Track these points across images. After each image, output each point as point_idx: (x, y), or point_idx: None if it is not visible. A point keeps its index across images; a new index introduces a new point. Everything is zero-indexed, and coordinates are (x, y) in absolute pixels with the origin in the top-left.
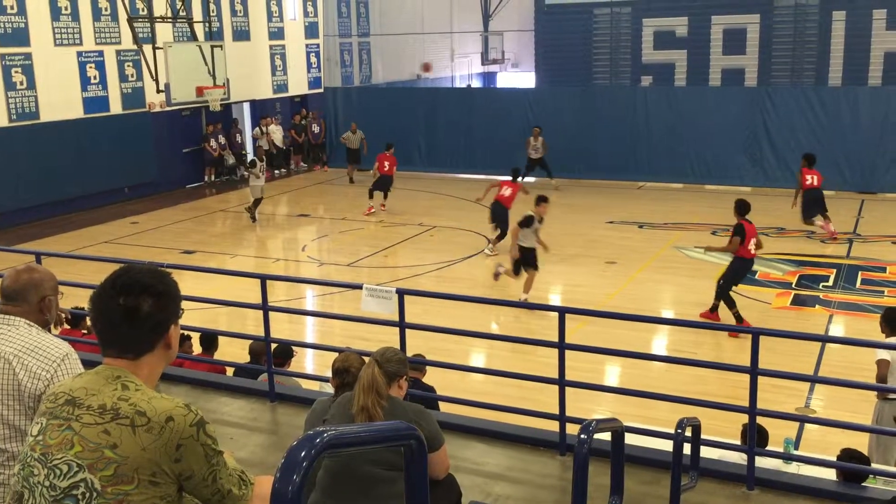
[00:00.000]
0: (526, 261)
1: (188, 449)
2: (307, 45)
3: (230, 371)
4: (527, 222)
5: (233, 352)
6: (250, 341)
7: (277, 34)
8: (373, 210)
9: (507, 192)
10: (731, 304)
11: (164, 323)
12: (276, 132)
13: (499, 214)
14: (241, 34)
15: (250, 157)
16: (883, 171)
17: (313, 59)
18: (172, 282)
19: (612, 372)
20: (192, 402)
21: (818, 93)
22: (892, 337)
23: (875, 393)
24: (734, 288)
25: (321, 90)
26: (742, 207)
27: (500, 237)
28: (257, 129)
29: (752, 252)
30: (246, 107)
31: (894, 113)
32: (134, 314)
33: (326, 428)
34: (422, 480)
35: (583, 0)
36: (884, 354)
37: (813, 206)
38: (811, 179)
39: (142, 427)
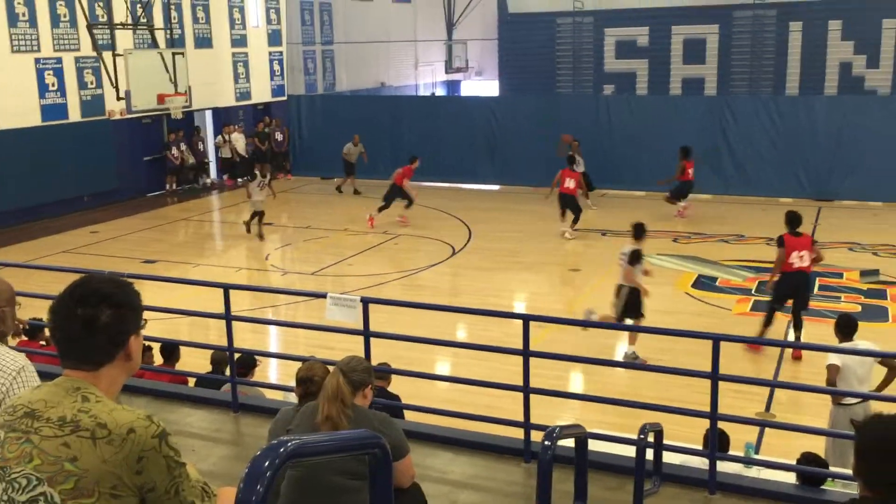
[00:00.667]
0: (632, 306)
1: (150, 461)
2: (270, 53)
3: (192, 382)
4: (638, 258)
5: (195, 362)
6: (212, 351)
7: (240, 41)
8: (402, 220)
9: (570, 184)
10: (767, 322)
11: (123, 334)
12: (239, 140)
13: (569, 202)
14: (204, 41)
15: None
16: (839, 178)
17: (276, 67)
18: (133, 292)
19: (578, 379)
20: (154, 413)
21: (776, 102)
22: (845, 342)
23: (830, 398)
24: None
25: (284, 98)
26: (788, 220)
27: (576, 220)
28: (220, 137)
29: (795, 265)
30: (208, 114)
31: (849, 122)
32: (92, 325)
33: (290, 437)
34: (387, 489)
35: (546, 9)
36: (834, 359)
37: (686, 192)
38: (691, 172)
39: (102, 439)
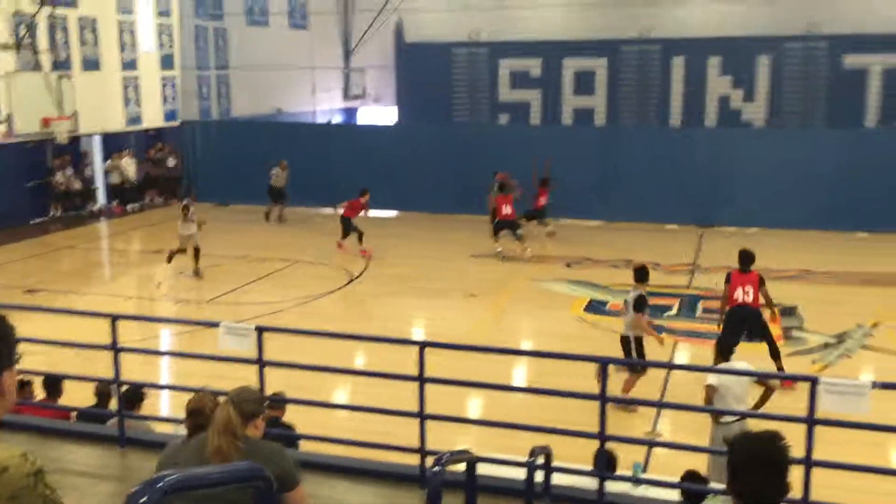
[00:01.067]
0: (637, 353)
1: (24, 500)
2: (163, 77)
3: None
4: (643, 304)
5: (83, 396)
6: (96, 384)
7: (131, 64)
8: (364, 253)
9: (508, 210)
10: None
11: None
12: (130, 166)
13: (510, 225)
14: (91, 64)
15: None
16: (719, 206)
17: (169, 91)
18: (4, 325)
19: (475, 403)
20: (33, 450)
21: (661, 133)
22: (723, 363)
23: (711, 417)
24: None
25: (178, 123)
26: (740, 258)
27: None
28: (109, 162)
29: (739, 300)
30: (97, 139)
31: (728, 152)
32: None
33: (169, 472)
34: None
35: (441, 39)
36: (712, 380)
37: (536, 217)
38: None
39: None
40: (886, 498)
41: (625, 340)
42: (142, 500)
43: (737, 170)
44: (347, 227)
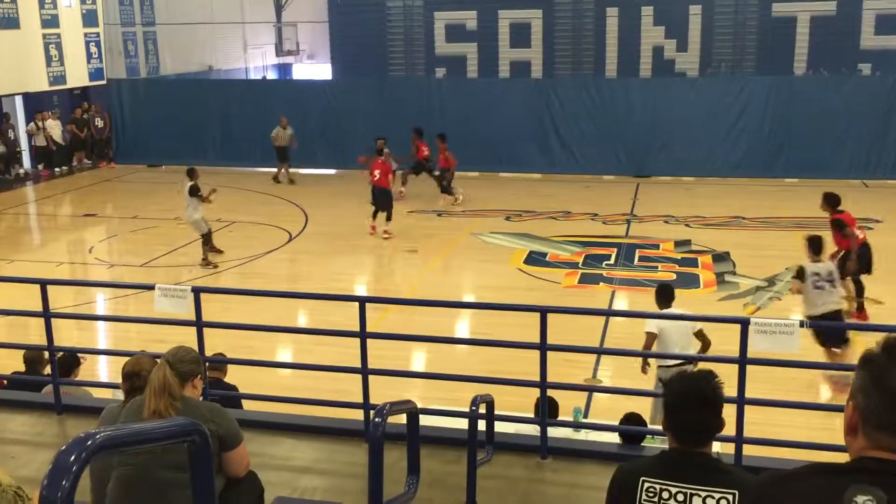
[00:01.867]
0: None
1: None
2: (86, 34)
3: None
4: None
5: (14, 364)
6: (25, 351)
7: (51, 22)
8: (378, 232)
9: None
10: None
11: None
12: (55, 127)
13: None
14: (10, 21)
15: (186, 188)
16: (654, 156)
17: (94, 49)
18: None
19: (419, 358)
20: None
21: (596, 84)
22: (664, 309)
23: (655, 362)
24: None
25: (104, 82)
26: (832, 200)
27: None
28: (32, 124)
29: (861, 238)
30: (18, 100)
31: (662, 103)
32: None
33: (99, 430)
34: (207, 475)
35: None
36: (651, 326)
37: (421, 170)
38: (426, 151)
39: None
40: (818, 433)
41: (837, 314)
42: (71, 458)
43: (671, 120)
44: (381, 199)
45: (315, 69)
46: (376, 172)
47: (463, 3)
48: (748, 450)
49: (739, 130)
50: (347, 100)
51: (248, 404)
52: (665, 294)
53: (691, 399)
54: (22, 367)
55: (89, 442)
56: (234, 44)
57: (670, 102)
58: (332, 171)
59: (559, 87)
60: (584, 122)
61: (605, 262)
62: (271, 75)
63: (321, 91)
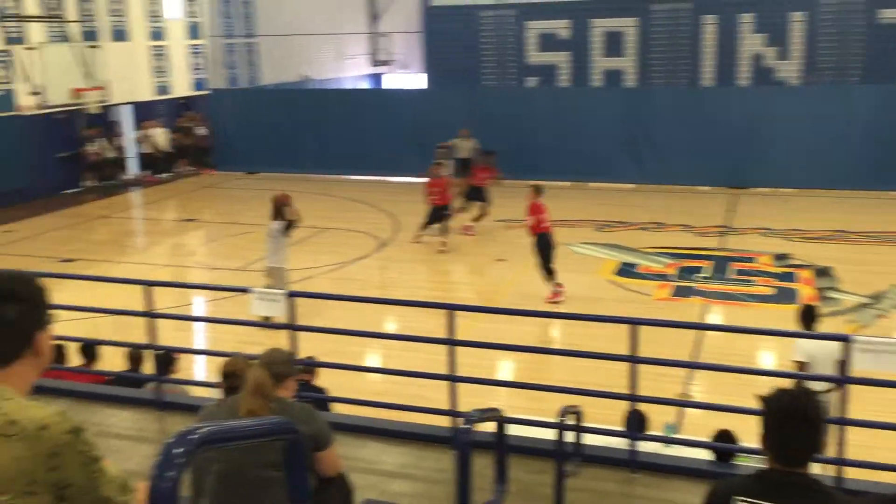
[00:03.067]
0: None
1: (64, 457)
2: (191, 46)
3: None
4: None
5: (119, 362)
6: (129, 350)
7: (158, 34)
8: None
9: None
10: None
11: (29, 330)
12: (160, 135)
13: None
14: (120, 34)
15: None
16: (752, 166)
17: (198, 60)
18: (37, 287)
19: (504, 366)
20: (75, 414)
21: (692, 93)
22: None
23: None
24: None
25: (207, 92)
26: None
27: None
28: (140, 132)
29: None
30: (127, 109)
31: (761, 112)
32: None
33: (202, 424)
34: (302, 473)
35: (468, 2)
36: (802, 356)
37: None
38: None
39: (14, 437)
40: None
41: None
42: (176, 451)
43: (770, 129)
44: (475, 196)
45: (408, 79)
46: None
47: (556, 11)
48: (850, 473)
49: (843, 141)
50: (439, 109)
51: (336, 407)
52: (809, 316)
53: (791, 418)
54: (122, 363)
55: (194, 436)
56: (330, 54)
57: (770, 112)
58: (422, 180)
59: (653, 96)
60: (679, 132)
61: (699, 275)
62: (365, 85)
63: (413, 100)
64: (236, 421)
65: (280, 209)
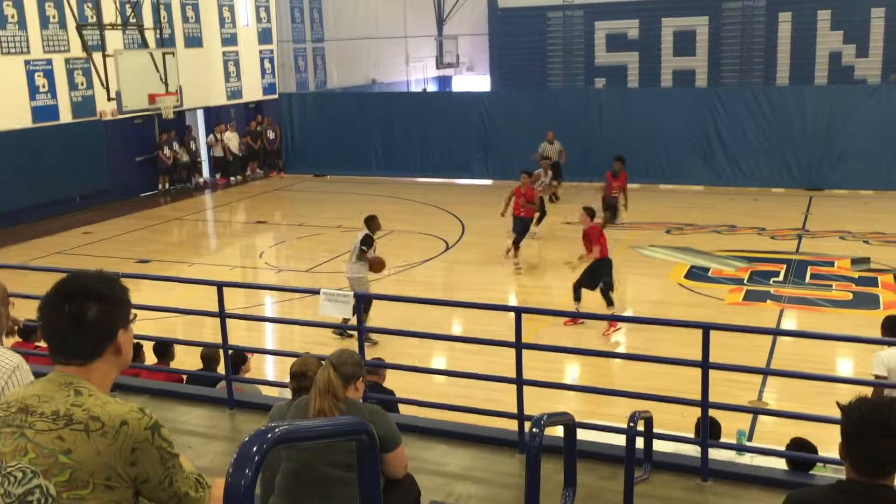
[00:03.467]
0: None
1: (143, 452)
2: (261, 51)
3: (185, 379)
4: None
5: (191, 361)
6: (202, 349)
7: (230, 40)
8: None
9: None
10: None
11: (111, 328)
12: (232, 139)
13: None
14: (194, 41)
15: (358, 236)
16: (829, 168)
17: (267, 65)
18: (120, 287)
19: (572, 370)
20: (152, 411)
21: (766, 93)
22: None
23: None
24: None
25: (276, 96)
26: None
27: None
28: (212, 136)
29: None
30: (200, 114)
31: (839, 111)
32: (79, 320)
33: (278, 423)
34: (374, 474)
35: (536, 3)
36: (880, 369)
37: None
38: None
39: (96, 432)
40: None
41: None
42: (254, 449)
43: (849, 129)
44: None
45: (474, 81)
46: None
47: (625, 11)
48: None
49: None
50: (505, 111)
51: (404, 409)
52: (893, 327)
53: (871, 427)
54: (196, 362)
55: (269, 435)
56: (397, 57)
57: (848, 111)
58: (488, 182)
59: (725, 95)
60: (752, 132)
61: (773, 279)
62: (432, 87)
63: (479, 102)
64: (309, 420)
65: (370, 225)
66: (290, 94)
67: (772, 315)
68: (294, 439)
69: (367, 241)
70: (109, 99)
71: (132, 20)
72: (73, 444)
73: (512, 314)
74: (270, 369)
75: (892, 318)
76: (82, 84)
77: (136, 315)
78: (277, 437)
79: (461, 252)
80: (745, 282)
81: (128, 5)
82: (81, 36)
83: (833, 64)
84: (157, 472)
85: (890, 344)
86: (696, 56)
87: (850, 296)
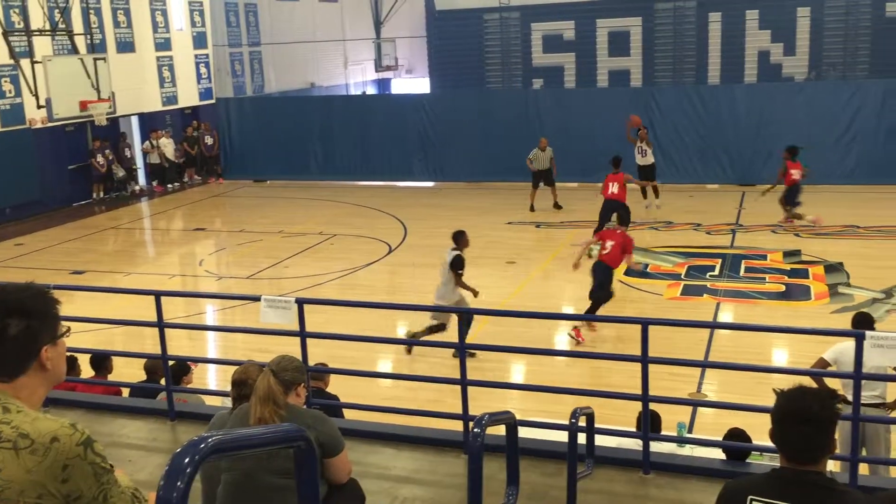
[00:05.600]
0: None
1: (75, 469)
2: (196, 56)
3: (127, 393)
4: None
5: (131, 373)
6: (145, 361)
7: (164, 45)
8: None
9: (615, 188)
10: None
11: (35, 344)
12: (168, 145)
13: (616, 208)
14: (126, 46)
15: (447, 256)
16: (760, 163)
17: (203, 70)
18: (46, 300)
19: (518, 369)
20: (88, 425)
21: (698, 91)
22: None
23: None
24: None
25: (213, 101)
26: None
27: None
28: (147, 142)
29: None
30: (134, 120)
31: (769, 108)
32: (2, 336)
33: (211, 433)
34: (312, 481)
35: (473, 5)
36: (830, 356)
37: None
38: (795, 174)
39: (25, 449)
40: None
41: None
42: (185, 461)
43: (778, 125)
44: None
45: (413, 83)
46: (612, 185)
47: (560, 12)
48: (865, 469)
49: (851, 136)
50: (445, 113)
51: (348, 413)
52: (863, 325)
53: (792, 414)
54: (139, 374)
55: (202, 445)
56: (335, 60)
57: (777, 108)
58: (430, 184)
59: (659, 95)
60: (686, 131)
61: (710, 274)
62: (371, 90)
63: (419, 105)
64: (245, 429)
65: (459, 241)
66: (228, 98)
67: (709, 308)
68: (228, 449)
69: (459, 264)
70: (39, 107)
71: (61, 25)
72: (2, 462)
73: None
74: (213, 378)
75: (864, 315)
76: (10, 92)
77: (68, 329)
78: (211, 448)
79: (404, 255)
80: (682, 277)
81: (56, 10)
82: (8, 42)
83: (762, 62)
84: (90, 489)
85: (816, 333)
86: (630, 56)
87: (783, 287)
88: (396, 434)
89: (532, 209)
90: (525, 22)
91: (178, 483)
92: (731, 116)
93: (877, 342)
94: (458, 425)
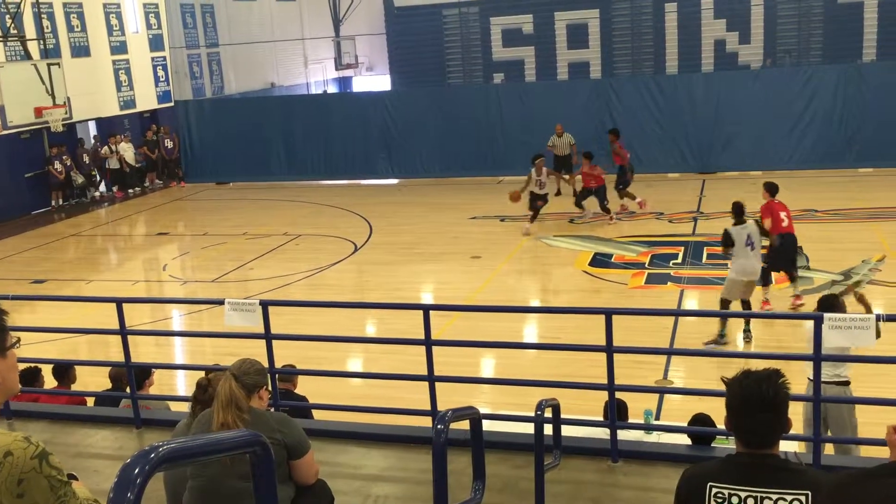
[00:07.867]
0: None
1: (31, 483)
2: (153, 59)
3: (91, 402)
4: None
5: (97, 381)
6: (110, 369)
7: (120, 48)
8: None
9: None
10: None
11: None
12: (128, 150)
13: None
14: (81, 50)
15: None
16: (719, 151)
17: (161, 73)
18: None
19: (486, 364)
20: (51, 437)
21: (657, 81)
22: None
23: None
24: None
25: (172, 104)
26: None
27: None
28: (106, 147)
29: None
30: (92, 125)
31: (726, 96)
32: None
33: (162, 442)
34: (270, 485)
35: (431, 1)
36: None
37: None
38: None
39: None
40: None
41: None
42: (135, 471)
43: (736, 113)
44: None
45: (375, 81)
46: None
47: (518, 6)
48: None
49: (808, 121)
50: (407, 110)
51: (318, 414)
52: (831, 309)
53: (751, 402)
54: (104, 383)
55: (152, 455)
56: (295, 60)
57: (734, 96)
58: (393, 181)
59: (619, 86)
60: (646, 120)
61: (673, 262)
62: (332, 89)
63: (380, 102)
64: (202, 435)
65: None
66: (187, 101)
67: (673, 296)
68: (180, 458)
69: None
70: None
71: (13, 31)
72: None
73: (420, 312)
74: (181, 384)
75: (830, 298)
76: None
77: (18, 340)
78: (162, 457)
79: (370, 253)
80: (646, 266)
81: (7, 16)
82: None
83: (718, 51)
84: (47, 502)
85: (782, 317)
86: (589, 48)
87: None
88: (366, 433)
89: (558, 193)
90: (484, 17)
91: (129, 494)
92: (689, 105)
93: (835, 323)
94: (428, 421)
